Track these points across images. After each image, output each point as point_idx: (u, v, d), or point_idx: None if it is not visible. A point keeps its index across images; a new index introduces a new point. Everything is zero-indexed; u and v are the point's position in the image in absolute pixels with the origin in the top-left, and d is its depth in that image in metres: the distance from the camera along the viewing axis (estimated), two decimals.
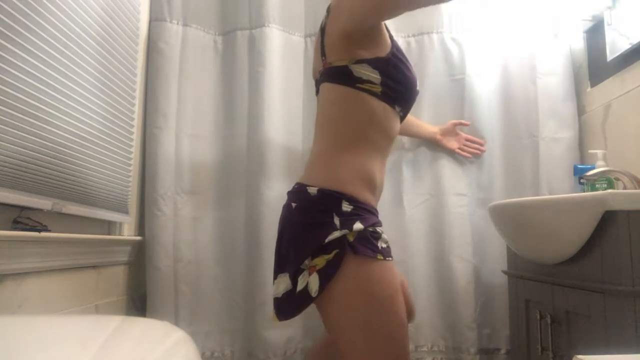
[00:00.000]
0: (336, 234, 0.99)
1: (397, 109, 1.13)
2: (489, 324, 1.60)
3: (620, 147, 1.47)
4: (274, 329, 1.55)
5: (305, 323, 1.60)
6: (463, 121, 1.64)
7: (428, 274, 1.61)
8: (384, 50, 1.09)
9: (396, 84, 1.10)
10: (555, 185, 1.62)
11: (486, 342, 1.59)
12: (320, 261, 0.99)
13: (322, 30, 1.13)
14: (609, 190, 1.28)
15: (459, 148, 1.64)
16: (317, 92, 1.20)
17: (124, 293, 1.56)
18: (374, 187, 1.10)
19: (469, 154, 1.65)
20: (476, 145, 1.65)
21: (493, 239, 1.59)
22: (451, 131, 1.65)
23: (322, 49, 1.13)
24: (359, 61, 1.07)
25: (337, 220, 1.00)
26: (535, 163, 1.65)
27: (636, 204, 0.96)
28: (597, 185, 1.41)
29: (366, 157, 1.09)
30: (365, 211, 1.05)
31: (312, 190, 1.04)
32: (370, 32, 1.08)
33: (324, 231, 0.99)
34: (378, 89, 1.08)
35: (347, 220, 1.00)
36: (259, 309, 1.55)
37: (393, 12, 1.04)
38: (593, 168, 1.40)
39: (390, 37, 1.14)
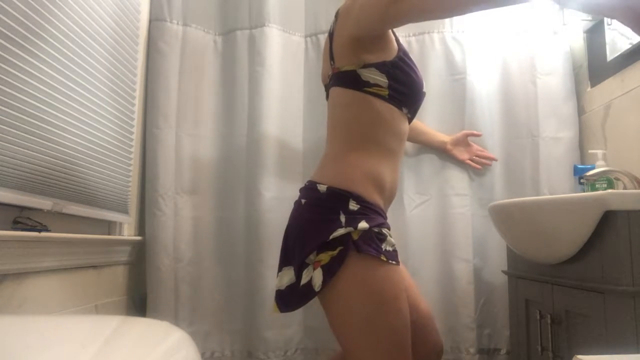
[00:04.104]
0: (341, 231, 1.01)
1: (405, 110, 1.16)
2: (490, 324, 1.60)
3: (620, 147, 1.46)
4: (274, 329, 1.56)
5: (306, 323, 1.60)
6: (475, 132, 1.62)
7: (428, 274, 1.60)
8: (391, 54, 1.12)
9: (403, 86, 1.13)
10: (555, 185, 1.62)
11: (487, 342, 1.59)
12: (325, 257, 1.01)
13: (331, 35, 1.16)
14: (609, 190, 1.28)
15: (470, 159, 1.62)
16: (327, 96, 1.22)
17: (124, 293, 1.56)
18: (383, 188, 1.11)
19: (479, 166, 1.63)
20: (486, 159, 1.63)
21: (493, 239, 1.59)
22: (462, 141, 1.62)
23: (330, 54, 1.16)
24: (367, 65, 1.10)
25: (343, 218, 1.02)
26: (535, 163, 1.64)
27: (636, 204, 0.96)
28: (597, 185, 1.41)
29: (376, 159, 1.11)
30: (372, 211, 1.06)
31: (322, 187, 1.07)
32: (378, 37, 1.11)
33: (330, 228, 1.01)
34: (385, 92, 1.10)
35: (353, 218, 1.02)
36: (259, 309, 1.55)
37: (398, 23, 1.08)
38: (593, 168, 1.40)
39: (397, 40, 1.17)
